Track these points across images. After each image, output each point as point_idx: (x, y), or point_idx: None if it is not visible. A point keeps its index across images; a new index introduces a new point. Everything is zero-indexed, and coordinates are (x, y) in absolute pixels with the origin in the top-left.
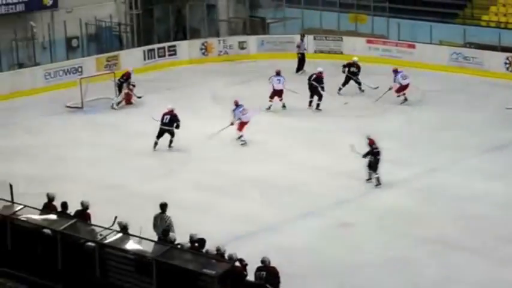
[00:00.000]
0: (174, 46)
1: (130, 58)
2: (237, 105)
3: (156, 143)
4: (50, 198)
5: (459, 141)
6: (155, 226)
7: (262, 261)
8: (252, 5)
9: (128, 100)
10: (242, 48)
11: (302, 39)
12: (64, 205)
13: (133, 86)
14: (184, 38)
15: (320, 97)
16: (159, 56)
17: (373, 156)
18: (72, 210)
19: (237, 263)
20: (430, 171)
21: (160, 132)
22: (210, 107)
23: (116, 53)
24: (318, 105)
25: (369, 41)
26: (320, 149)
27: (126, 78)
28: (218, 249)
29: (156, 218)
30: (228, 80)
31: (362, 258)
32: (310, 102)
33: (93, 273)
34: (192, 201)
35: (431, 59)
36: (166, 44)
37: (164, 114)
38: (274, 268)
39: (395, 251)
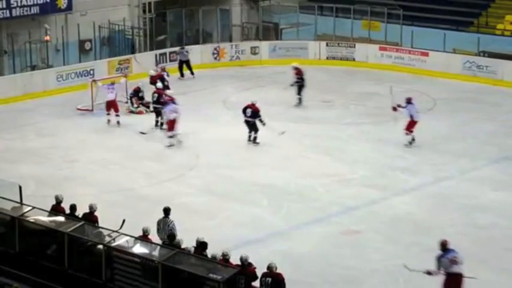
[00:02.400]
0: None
1: (143, 62)
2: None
3: (250, 136)
4: (58, 201)
5: (470, 150)
6: (158, 231)
7: (269, 267)
8: (265, 10)
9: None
10: (254, 53)
11: (182, 48)
12: (73, 207)
13: (141, 99)
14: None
15: (257, 131)
16: (170, 60)
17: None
18: (79, 212)
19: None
20: (440, 180)
21: (247, 126)
22: (220, 112)
23: (128, 56)
24: (255, 138)
25: (381, 48)
26: (330, 156)
27: (134, 92)
28: (224, 255)
29: (159, 222)
30: (240, 85)
31: (369, 266)
32: (249, 136)
33: (99, 276)
34: (200, 206)
35: (444, 67)
36: (178, 48)
37: (246, 108)
38: (280, 274)
39: (403, 260)
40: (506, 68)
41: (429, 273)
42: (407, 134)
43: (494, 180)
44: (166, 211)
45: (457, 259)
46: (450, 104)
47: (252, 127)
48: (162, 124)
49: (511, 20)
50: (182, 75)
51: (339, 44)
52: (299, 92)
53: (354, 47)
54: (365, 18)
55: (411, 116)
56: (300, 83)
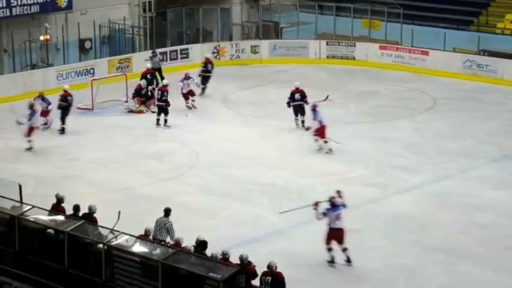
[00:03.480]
0: (187, 49)
1: (142, 61)
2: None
3: (296, 120)
4: (59, 200)
5: (470, 149)
6: (155, 229)
7: (269, 266)
8: (266, 9)
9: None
10: (254, 52)
11: (154, 53)
12: (76, 208)
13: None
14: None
15: (304, 114)
16: (171, 59)
17: None
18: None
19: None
20: (440, 179)
21: (296, 110)
22: (220, 111)
23: (128, 55)
24: (303, 122)
25: (382, 47)
26: (329, 154)
27: (136, 92)
28: (224, 254)
29: (157, 221)
30: (240, 84)
31: (369, 265)
32: (297, 120)
33: (99, 275)
34: (200, 205)
35: (445, 66)
36: (178, 47)
37: (294, 93)
38: (280, 273)
39: (403, 259)
40: (507, 66)
41: (315, 208)
42: (316, 140)
43: (494, 179)
44: (167, 211)
45: (341, 216)
46: (450, 103)
47: (301, 110)
48: (165, 121)
49: (511, 19)
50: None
51: (339, 43)
52: (203, 82)
53: (354, 46)
54: (365, 17)
55: (320, 122)
56: (205, 74)
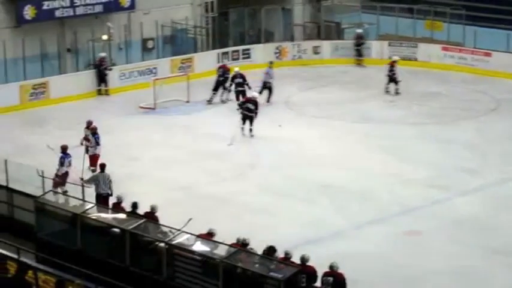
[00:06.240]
0: (249, 49)
1: (204, 61)
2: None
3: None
4: (119, 200)
5: None
6: (97, 184)
7: (331, 267)
8: (327, 10)
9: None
10: (316, 53)
11: (270, 67)
12: (134, 205)
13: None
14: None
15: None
16: (233, 59)
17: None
18: (140, 211)
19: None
20: (504, 181)
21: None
22: (282, 111)
23: (190, 55)
24: (250, 130)
25: (444, 48)
26: (392, 156)
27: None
28: (286, 253)
29: (98, 176)
30: (302, 84)
31: (430, 267)
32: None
33: (160, 273)
34: (261, 205)
35: (508, 67)
36: (240, 48)
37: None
38: (341, 274)
39: (464, 261)
40: None
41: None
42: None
43: None
44: (103, 166)
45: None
46: None
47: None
48: (250, 130)
49: None
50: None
51: (401, 43)
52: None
53: (417, 46)
54: (428, 18)
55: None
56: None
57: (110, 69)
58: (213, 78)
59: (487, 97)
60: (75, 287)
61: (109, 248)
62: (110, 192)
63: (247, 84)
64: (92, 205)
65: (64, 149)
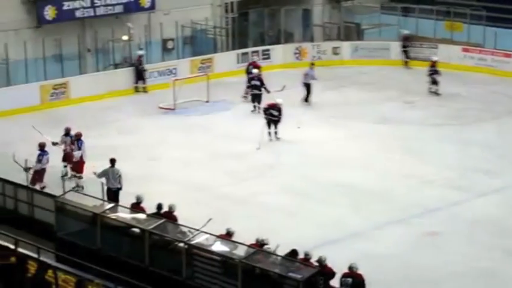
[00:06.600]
0: (268, 50)
1: (224, 61)
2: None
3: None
4: (138, 201)
5: None
6: (110, 178)
7: (350, 268)
8: (347, 10)
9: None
10: (336, 53)
11: (312, 68)
12: (159, 206)
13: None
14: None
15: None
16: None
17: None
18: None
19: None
20: None
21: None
22: (301, 112)
23: (210, 55)
24: (276, 133)
25: (464, 50)
26: (412, 157)
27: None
28: (306, 254)
29: (108, 171)
30: (321, 85)
31: (449, 268)
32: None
33: (179, 273)
34: (280, 205)
35: None
36: (260, 48)
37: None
38: (360, 275)
39: (483, 262)
40: None
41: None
42: (76, 176)
43: None
44: (113, 161)
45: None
46: None
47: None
48: (276, 133)
49: None
50: None
51: (421, 44)
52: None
53: (437, 47)
54: (448, 19)
55: (82, 156)
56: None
57: (144, 70)
58: (232, 79)
59: (507, 98)
60: (94, 286)
61: (129, 247)
62: (119, 187)
63: (265, 88)
64: (112, 205)
65: (42, 146)
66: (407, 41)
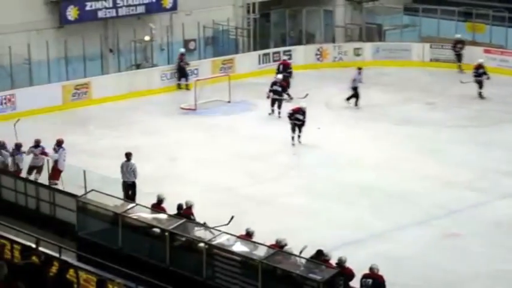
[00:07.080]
0: (290, 51)
1: (246, 62)
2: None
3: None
4: (159, 200)
5: None
6: (123, 173)
7: (371, 269)
8: (369, 11)
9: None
10: (357, 55)
11: (359, 72)
12: (180, 207)
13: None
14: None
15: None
16: (274, 61)
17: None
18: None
19: None
20: None
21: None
22: (322, 113)
23: (231, 56)
24: (299, 136)
25: (486, 51)
26: (432, 158)
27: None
28: (325, 255)
29: (122, 165)
30: (342, 86)
31: (470, 270)
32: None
33: (200, 273)
34: (301, 206)
35: None
36: (281, 49)
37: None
38: (381, 276)
39: (504, 264)
40: None
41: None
42: (52, 183)
43: None
44: (128, 155)
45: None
46: None
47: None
48: (299, 137)
49: None
50: None
51: (442, 46)
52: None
53: None
54: (469, 20)
55: (56, 162)
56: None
57: (188, 64)
58: (253, 79)
59: None
60: (115, 286)
61: (149, 247)
62: (134, 181)
63: (288, 94)
64: (133, 204)
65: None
66: (459, 45)
